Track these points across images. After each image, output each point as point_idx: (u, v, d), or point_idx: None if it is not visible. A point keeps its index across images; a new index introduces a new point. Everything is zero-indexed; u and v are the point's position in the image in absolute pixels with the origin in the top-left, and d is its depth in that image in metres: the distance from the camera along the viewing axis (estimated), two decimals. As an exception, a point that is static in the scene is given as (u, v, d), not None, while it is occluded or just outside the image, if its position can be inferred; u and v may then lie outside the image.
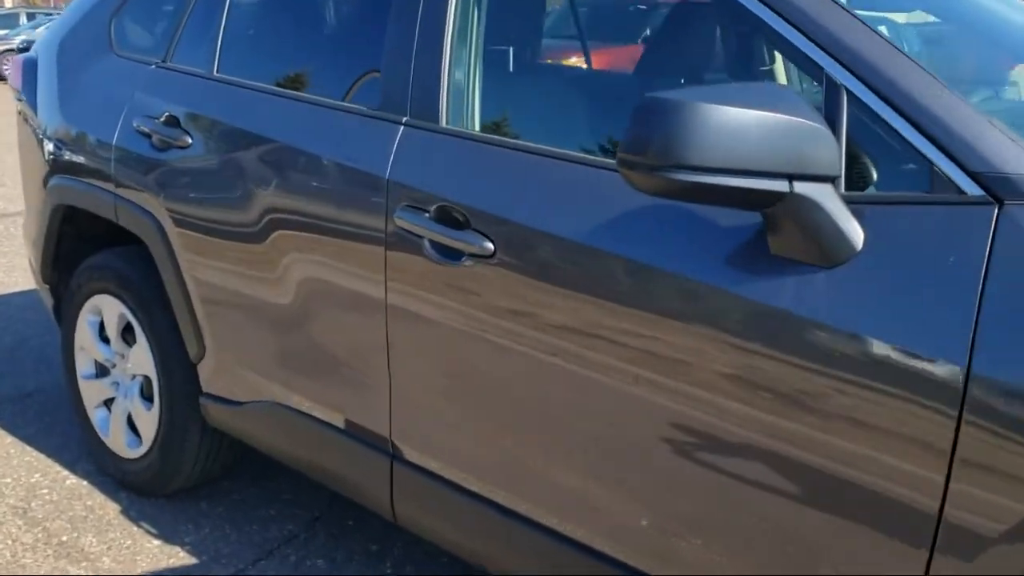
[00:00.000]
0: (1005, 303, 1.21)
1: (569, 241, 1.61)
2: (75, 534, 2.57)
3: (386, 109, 1.95)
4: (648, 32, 2.66)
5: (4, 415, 3.25)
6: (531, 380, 1.70)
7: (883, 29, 1.45)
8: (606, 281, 1.56)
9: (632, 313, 1.53)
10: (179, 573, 2.41)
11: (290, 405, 2.24)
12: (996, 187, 1.26)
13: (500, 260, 1.70)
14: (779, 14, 1.47)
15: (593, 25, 2.67)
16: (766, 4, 1.49)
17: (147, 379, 2.64)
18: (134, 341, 2.65)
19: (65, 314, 2.88)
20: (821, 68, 1.41)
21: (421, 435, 1.95)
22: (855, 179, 1.38)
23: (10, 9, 25.73)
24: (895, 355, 1.27)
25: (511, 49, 2.10)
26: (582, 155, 1.68)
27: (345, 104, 2.05)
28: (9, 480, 2.83)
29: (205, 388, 2.47)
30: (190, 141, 2.33)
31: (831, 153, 1.31)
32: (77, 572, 2.41)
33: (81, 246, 2.88)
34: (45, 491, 2.78)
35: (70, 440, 3.07)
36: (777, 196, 1.30)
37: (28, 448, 3.02)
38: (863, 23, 1.42)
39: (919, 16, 2.64)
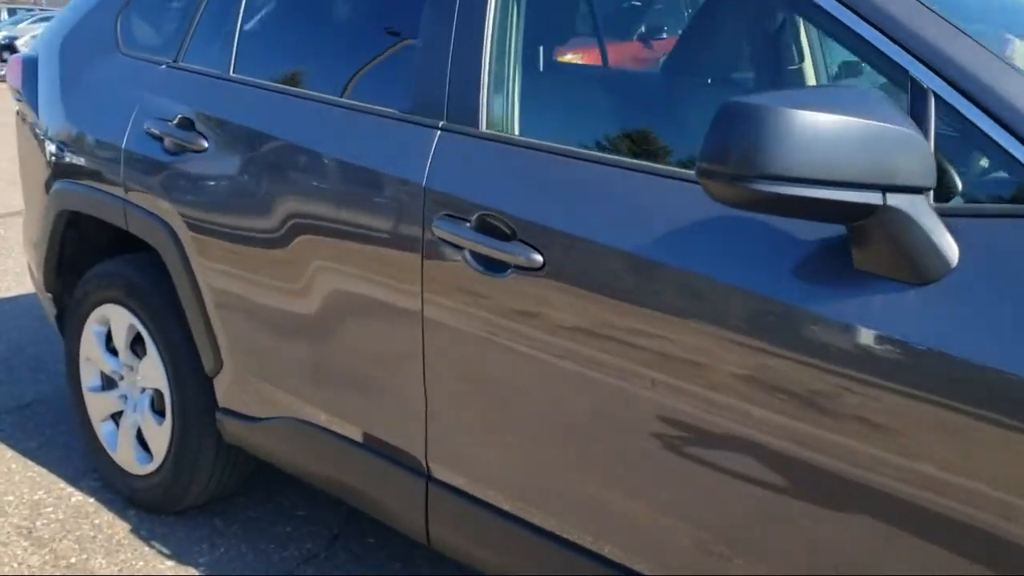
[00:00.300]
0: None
1: (629, 254, 1.51)
2: (84, 556, 2.46)
3: (420, 112, 1.86)
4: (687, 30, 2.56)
5: (3, 428, 3.12)
6: (583, 401, 1.60)
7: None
8: (669, 297, 1.47)
9: (697, 330, 1.44)
10: (195, 596, 2.32)
11: (314, 421, 2.13)
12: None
13: (550, 273, 1.61)
14: (858, 13, 1.38)
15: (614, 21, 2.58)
16: (843, 3, 1.40)
17: (158, 392, 2.53)
18: (144, 353, 2.54)
19: (69, 324, 2.76)
20: (905, 71, 1.33)
21: (460, 456, 1.85)
22: (943, 190, 1.30)
23: (-10, 5, 25.42)
24: (995, 379, 1.19)
25: (554, 47, 2.00)
26: (643, 163, 1.58)
27: (374, 107, 1.95)
28: (12, 498, 2.71)
29: (222, 403, 2.36)
30: (206, 145, 2.22)
31: (926, 162, 1.22)
32: (88, 596, 2.30)
33: (84, 253, 2.76)
34: (50, 509, 2.67)
35: (73, 454, 2.96)
36: (869, 209, 1.22)
37: (30, 463, 2.90)
38: (951, 24, 1.34)
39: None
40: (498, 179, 1.73)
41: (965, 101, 1.28)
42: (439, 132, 1.81)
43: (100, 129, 2.53)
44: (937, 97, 1.29)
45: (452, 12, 1.83)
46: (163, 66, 2.44)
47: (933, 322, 1.24)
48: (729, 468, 1.45)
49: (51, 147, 2.69)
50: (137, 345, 2.58)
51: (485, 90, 1.78)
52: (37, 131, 2.77)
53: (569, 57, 2.39)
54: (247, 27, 2.29)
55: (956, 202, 1.30)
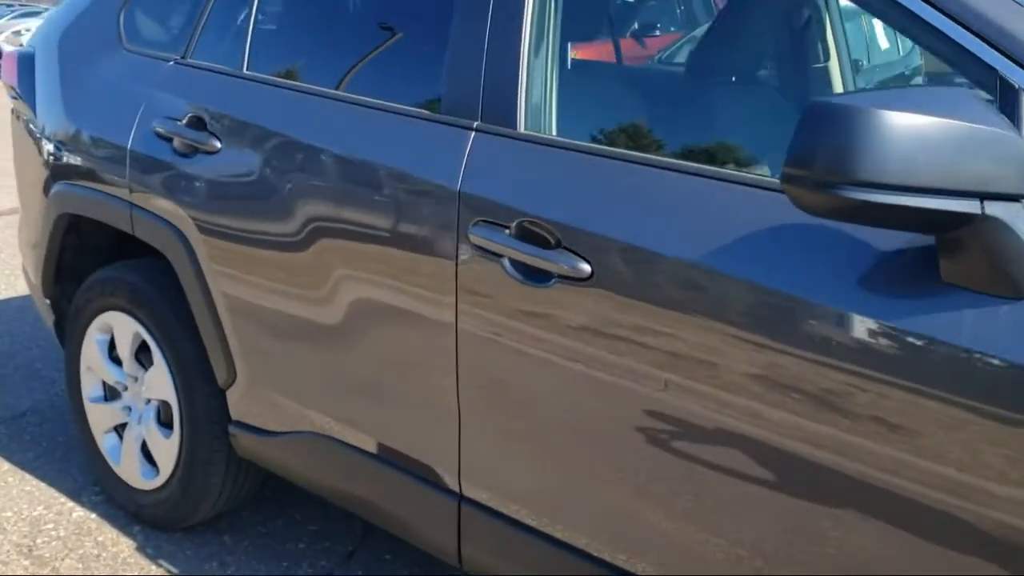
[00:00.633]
0: None
1: (686, 263, 1.42)
2: None
3: (452, 112, 1.76)
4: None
5: (-2, 439, 3.01)
6: (633, 419, 1.51)
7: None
8: (730, 309, 1.38)
9: (762, 345, 1.35)
10: (207, 618, 2.21)
11: (334, 436, 2.03)
12: None
13: (599, 283, 1.51)
14: (940, 9, 1.29)
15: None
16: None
17: (164, 404, 2.42)
18: (150, 363, 2.43)
19: (69, 331, 2.64)
20: (994, 70, 1.24)
21: (497, 476, 1.75)
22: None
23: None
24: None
25: (595, 43, 1.91)
26: (700, 166, 1.49)
27: (401, 106, 1.85)
28: (10, 514, 2.59)
29: (234, 416, 2.25)
30: (219, 145, 2.11)
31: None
32: (94, 619, 2.19)
33: (83, 258, 2.64)
34: (50, 526, 2.55)
35: (72, 466, 2.84)
36: (964, 218, 1.13)
37: (28, 476, 2.78)
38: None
39: None
40: (539, 183, 1.63)
41: (1061, 102, 1.20)
42: (473, 133, 1.71)
43: (103, 128, 2.41)
44: (1030, 98, 1.21)
45: (487, 5, 1.73)
46: (171, 63, 2.32)
47: (1030, 339, 1.15)
48: (796, 492, 1.36)
49: (50, 147, 2.57)
50: (142, 354, 2.47)
51: (523, 88, 1.68)
52: (34, 130, 2.65)
53: (583, 54, 2.30)
54: (261, 22, 2.18)
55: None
